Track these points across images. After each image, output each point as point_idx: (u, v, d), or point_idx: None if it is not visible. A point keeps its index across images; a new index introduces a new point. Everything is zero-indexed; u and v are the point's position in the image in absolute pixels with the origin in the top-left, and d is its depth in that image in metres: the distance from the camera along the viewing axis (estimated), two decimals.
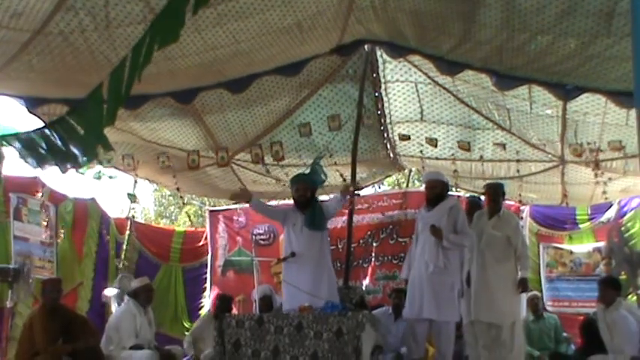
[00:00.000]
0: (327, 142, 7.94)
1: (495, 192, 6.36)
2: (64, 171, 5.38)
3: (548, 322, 8.14)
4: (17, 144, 5.36)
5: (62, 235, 8.50)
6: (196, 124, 7.52)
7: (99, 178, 8.37)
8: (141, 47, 3.18)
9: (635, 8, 2.22)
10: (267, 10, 4.92)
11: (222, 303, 7.97)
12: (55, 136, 5.34)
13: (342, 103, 7.75)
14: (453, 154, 8.17)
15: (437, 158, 8.18)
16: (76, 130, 5.20)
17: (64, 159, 5.45)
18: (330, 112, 7.81)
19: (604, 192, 8.24)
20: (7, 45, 4.62)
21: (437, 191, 6.10)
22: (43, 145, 5.39)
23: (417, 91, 7.65)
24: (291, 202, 6.33)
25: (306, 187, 6.27)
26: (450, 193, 6.40)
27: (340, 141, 8.03)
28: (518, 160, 7.94)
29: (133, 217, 10.22)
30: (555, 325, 8.13)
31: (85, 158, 5.59)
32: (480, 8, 4.92)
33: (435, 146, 8.04)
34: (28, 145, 5.41)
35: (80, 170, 7.90)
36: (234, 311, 9.33)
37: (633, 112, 6.20)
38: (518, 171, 8.12)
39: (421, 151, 8.27)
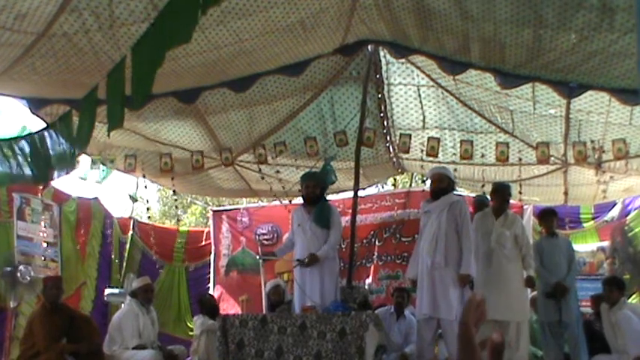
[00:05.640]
0: (330, 144, 7.95)
1: (504, 193, 6.39)
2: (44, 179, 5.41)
3: None
4: None
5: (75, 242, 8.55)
6: (199, 125, 7.51)
7: (102, 181, 8.39)
8: (143, 48, 3.13)
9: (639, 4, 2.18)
10: (270, 8, 4.91)
11: (205, 305, 7.72)
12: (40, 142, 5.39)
13: (346, 107, 7.75)
14: (454, 160, 8.13)
15: (439, 162, 8.14)
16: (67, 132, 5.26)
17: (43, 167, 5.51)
18: (334, 114, 7.82)
19: (604, 190, 8.21)
20: (11, 48, 4.62)
21: (442, 185, 6.01)
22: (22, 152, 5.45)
23: (420, 95, 7.62)
24: (294, 203, 6.31)
25: (315, 185, 6.32)
26: (455, 191, 6.33)
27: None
28: (520, 161, 7.90)
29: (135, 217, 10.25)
30: None
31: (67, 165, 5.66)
32: (484, 5, 4.92)
33: (437, 150, 7.95)
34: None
35: (83, 176, 7.95)
36: (238, 311, 9.36)
37: (637, 111, 6.23)
38: (520, 174, 8.09)
39: (422, 158, 8.23)
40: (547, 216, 7.12)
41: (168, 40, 2.93)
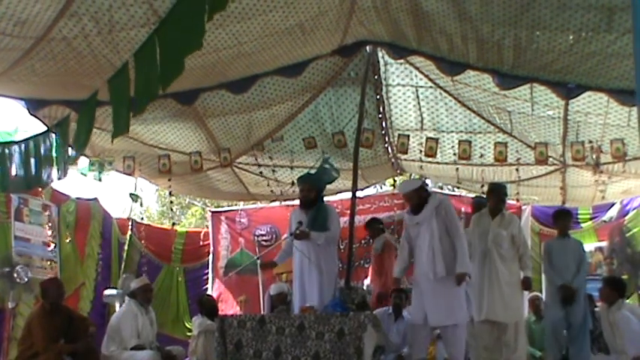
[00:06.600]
0: (328, 145, 7.96)
1: (499, 193, 6.38)
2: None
3: None
4: None
5: (68, 239, 8.55)
6: (198, 127, 7.52)
7: (99, 179, 8.38)
8: (146, 54, 3.14)
9: (636, 4, 2.18)
10: (269, 11, 4.92)
11: (205, 306, 7.67)
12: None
13: (344, 108, 7.75)
14: (454, 160, 8.12)
15: (438, 162, 8.15)
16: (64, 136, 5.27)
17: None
18: (332, 115, 7.83)
19: (601, 191, 8.22)
20: (10, 52, 4.63)
21: (414, 202, 5.93)
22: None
23: (418, 97, 7.62)
24: (292, 203, 6.27)
25: (310, 188, 6.24)
26: (430, 193, 6.14)
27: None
28: (519, 161, 7.90)
29: (133, 218, 10.24)
30: None
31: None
32: (481, 6, 4.93)
33: (435, 150, 7.96)
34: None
35: (82, 172, 7.94)
36: (237, 311, 9.37)
37: (635, 113, 6.24)
38: (519, 175, 8.09)
39: (421, 159, 8.23)
40: (562, 216, 7.03)
41: (180, 48, 2.93)
